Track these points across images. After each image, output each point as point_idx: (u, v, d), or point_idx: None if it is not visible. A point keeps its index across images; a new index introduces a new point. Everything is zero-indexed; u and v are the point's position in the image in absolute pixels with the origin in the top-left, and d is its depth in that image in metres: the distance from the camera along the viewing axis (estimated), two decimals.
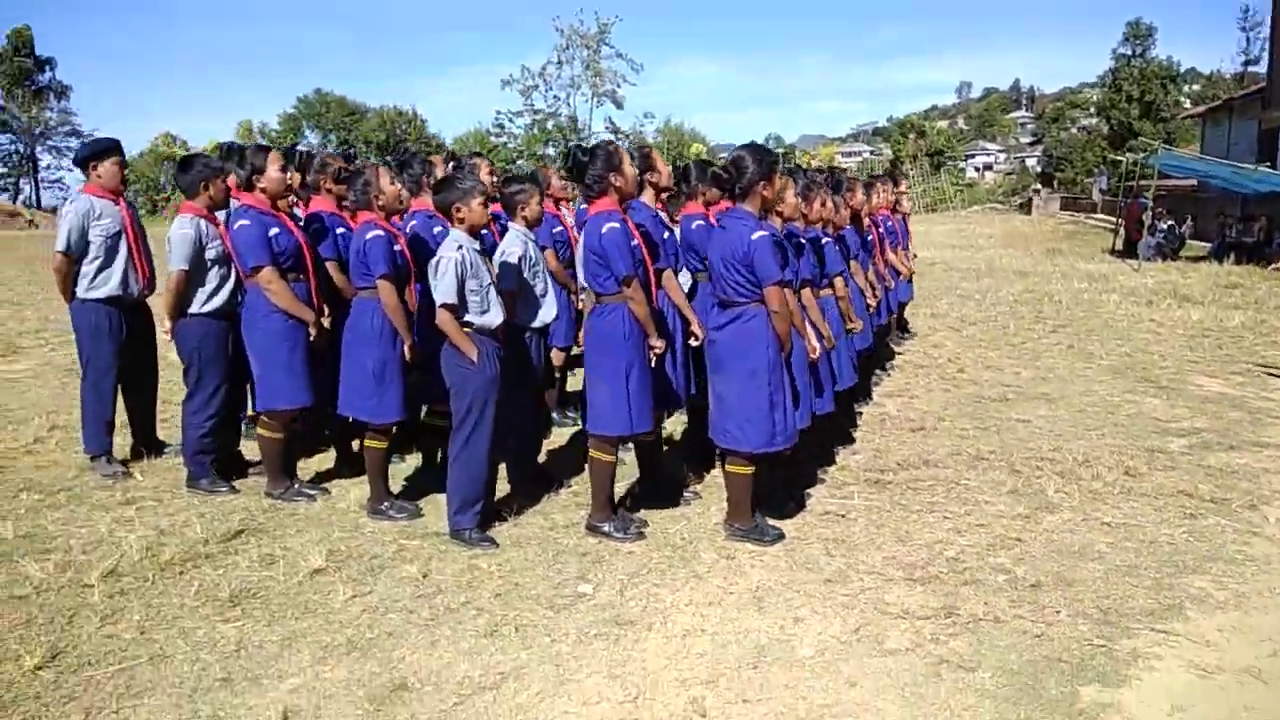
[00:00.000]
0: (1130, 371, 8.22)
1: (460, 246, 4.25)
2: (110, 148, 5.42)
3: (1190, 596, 3.74)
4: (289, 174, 4.99)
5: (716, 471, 5.42)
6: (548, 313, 4.97)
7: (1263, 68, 56.97)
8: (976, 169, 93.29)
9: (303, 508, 4.88)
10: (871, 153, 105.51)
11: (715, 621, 3.59)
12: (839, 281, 5.61)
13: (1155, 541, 4.30)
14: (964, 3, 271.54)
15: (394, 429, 4.85)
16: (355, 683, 3.20)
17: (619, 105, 50.38)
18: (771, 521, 4.52)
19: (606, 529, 4.45)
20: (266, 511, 4.80)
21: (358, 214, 4.71)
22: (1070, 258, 20.46)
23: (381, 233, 4.53)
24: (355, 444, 5.57)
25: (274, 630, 3.55)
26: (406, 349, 4.67)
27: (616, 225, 4.20)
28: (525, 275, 4.78)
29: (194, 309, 5.00)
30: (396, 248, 4.61)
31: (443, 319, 4.21)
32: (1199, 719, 2.90)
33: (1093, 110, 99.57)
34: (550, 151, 51.98)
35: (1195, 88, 68.18)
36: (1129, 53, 52.55)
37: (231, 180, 5.14)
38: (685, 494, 5.04)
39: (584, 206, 5.76)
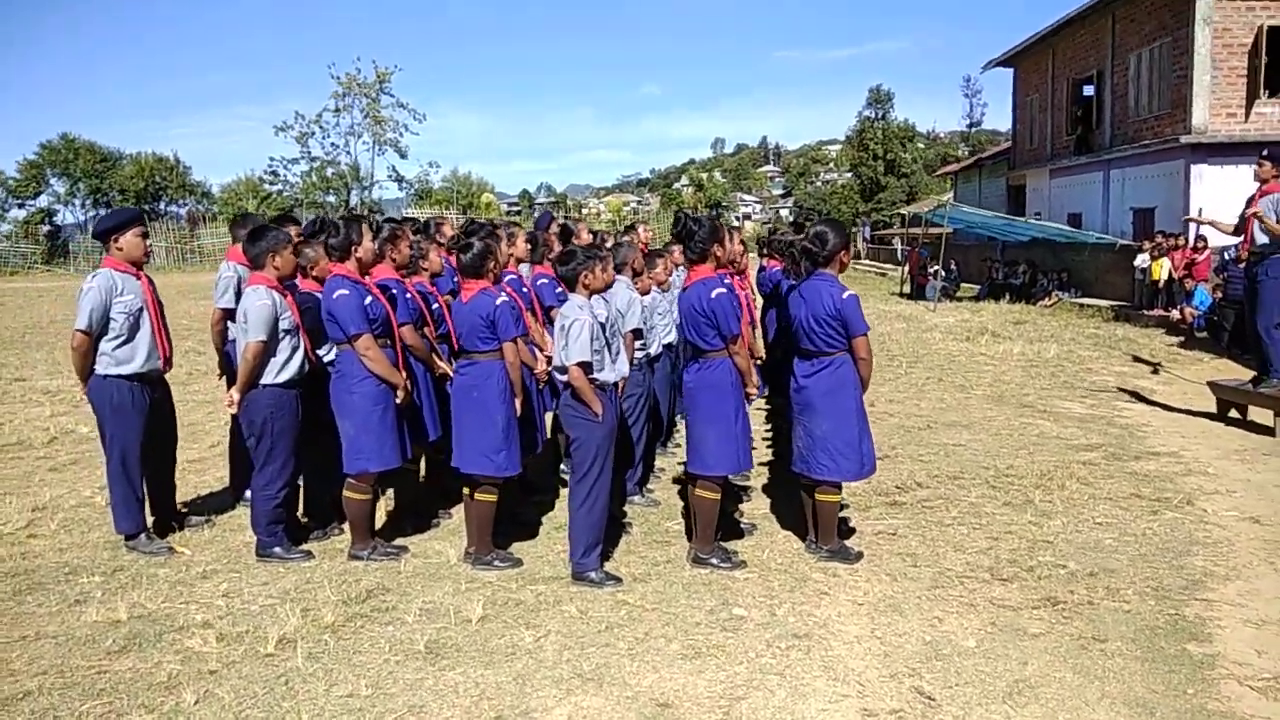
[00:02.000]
0: (1005, 399, 9.65)
1: (583, 309, 4.65)
2: (133, 218, 5.32)
3: (1201, 572, 4.77)
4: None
5: (749, 505, 6.05)
6: (623, 368, 5.41)
7: (985, 127, 65.17)
8: (737, 219, 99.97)
9: (403, 565, 4.98)
10: (639, 202, 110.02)
11: (872, 628, 4.19)
12: None
13: (1144, 535, 5.36)
14: (717, 66, 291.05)
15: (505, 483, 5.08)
16: (619, 705, 3.51)
17: (402, 154, 50.00)
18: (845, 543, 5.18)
19: (715, 561, 4.93)
20: (379, 572, 4.86)
21: (466, 281, 4.95)
22: (869, 301, 22.83)
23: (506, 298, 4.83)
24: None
25: (497, 673, 3.76)
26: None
27: (724, 291, 4.76)
28: (608, 335, 5.20)
29: (266, 380, 4.99)
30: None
31: (576, 375, 4.57)
32: (1278, 658, 3.85)
33: (833, 165, 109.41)
34: (331, 199, 50.48)
35: (919, 145, 77.21)
36: (872, 115, 58.72)
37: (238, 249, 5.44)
38: (743, 525, 5.60)
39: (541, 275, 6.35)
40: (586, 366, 4.59)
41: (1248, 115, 18.06)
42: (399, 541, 5.33)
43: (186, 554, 5.20)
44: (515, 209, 72.54)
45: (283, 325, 5.01)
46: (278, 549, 5.10)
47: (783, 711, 3.49)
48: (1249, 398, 8.40)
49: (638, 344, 5.90)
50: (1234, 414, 8.68)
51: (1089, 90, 23.19)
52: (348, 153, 50.00)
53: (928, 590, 4.60)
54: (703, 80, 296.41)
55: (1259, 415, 8.30)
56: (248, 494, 6.03)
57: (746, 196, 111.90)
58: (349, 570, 4.88)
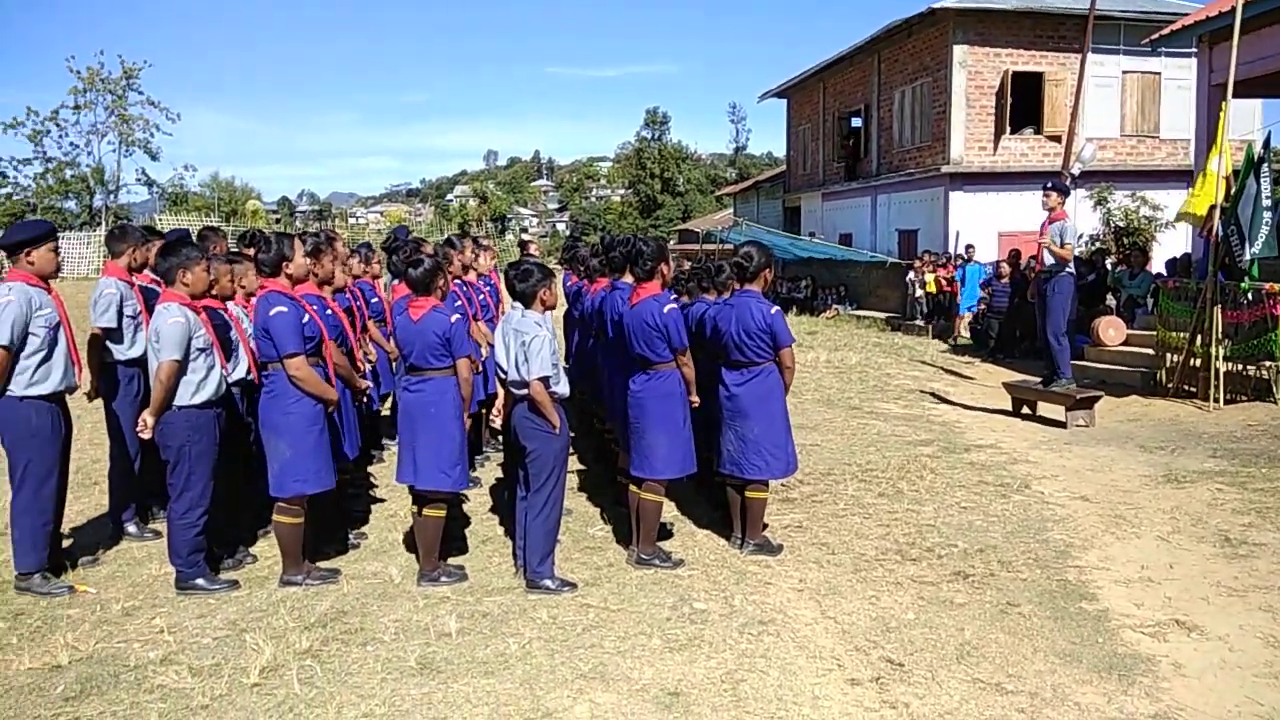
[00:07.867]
0: (834, 403, 10.55)
1: (541, 325, 4.79)
2: (47, 232, 4.98)
3: (1063, 544, 5.55)
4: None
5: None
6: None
7: (749, 151, 69.28)
8: (514, 232, 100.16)
9: (345, 587, 4.86)
10: (411, 213, 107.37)
11: (821, 610, 4.61)
12: None
13: (1003, 515, 6.14)
14: (486, 77, 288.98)
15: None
16: (631, 698, 3.70)
17: (154, 156, 45.92)
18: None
19: (657, 561, 5.19)
20: (325, 596, 4.73)
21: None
22: None
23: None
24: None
25: (501, 681, 3.83)
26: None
27: (675, 306, 5.09)
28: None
29: (181, 401, 4.74)
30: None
31: (538, 390, 4.69)
32: (1159, 598, 4.64)
33: (605, 182, 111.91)
34: (72, 205, 45.68)
35: (691, 166, 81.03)
36: (649, 135, 60.97)
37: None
38: (667, 527, 5.90)
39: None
40: (546, 381, 4.72)
41: (995, 148, 20.63)
42: (324, 565, 5.17)
43: (91, 592, 4.81)
44: (275, 216, 68.80)
45: (196, 344, 4.76)
46: (200, 580, 4.82)
47: (783, 689, 3.81)
48: (1041, 395, 9.73)
49: None
50: (1026, 410, 10.02)
51: (857, 122, 25.49)
52: (89, 153, 45.34)
53: (853, 573, 5.10)
54: (471, 90, 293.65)
55: (1048, 411, 9.64)
56: (129, 526, 5.69)
57: (523, 210, 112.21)
58: (293, 596, 4.72)
